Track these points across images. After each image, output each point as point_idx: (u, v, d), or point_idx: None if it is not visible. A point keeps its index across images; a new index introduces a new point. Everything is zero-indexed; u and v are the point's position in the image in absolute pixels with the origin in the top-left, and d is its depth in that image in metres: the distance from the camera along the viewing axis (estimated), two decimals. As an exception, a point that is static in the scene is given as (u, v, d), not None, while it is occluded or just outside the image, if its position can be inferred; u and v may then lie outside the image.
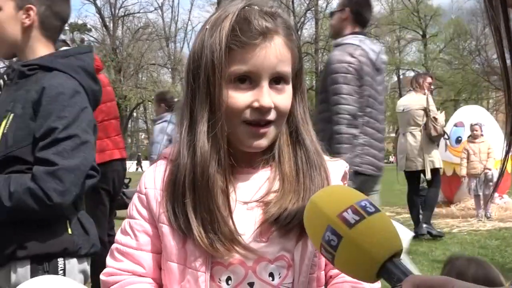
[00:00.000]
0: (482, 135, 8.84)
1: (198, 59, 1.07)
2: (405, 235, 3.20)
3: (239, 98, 1.05)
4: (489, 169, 8.47)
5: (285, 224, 1.05)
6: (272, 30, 1.05)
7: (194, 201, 1.05)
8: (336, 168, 1.18)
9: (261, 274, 1.06)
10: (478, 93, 47.71)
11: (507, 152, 0.64)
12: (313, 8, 46.85)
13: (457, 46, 47.94)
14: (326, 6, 48.17)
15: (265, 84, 1.05)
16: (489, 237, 6.95)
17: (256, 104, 1.04)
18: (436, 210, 9.49)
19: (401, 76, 55.00)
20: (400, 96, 54.05)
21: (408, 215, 9.28)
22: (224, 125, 1.05)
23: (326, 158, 1.17)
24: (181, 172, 1.07)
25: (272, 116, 1.06)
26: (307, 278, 1.08)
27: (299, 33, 45.31)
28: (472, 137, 8.86)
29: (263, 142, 1.08)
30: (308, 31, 49.58)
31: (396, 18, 49.16)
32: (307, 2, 46.92)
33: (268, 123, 1.07)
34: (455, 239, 6.86)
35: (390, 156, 52.64)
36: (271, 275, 1.07)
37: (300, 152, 1.13)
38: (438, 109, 7.41)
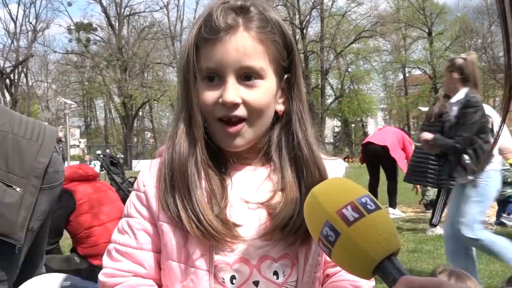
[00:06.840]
0: None
1: (180, 57, 1.10)
2: None
3: (208, 95, 1.04)
4: None
5: (294, 232, 1.04)
6: (233, 25, 1.03)
7: (178, 196, 1.04)
8: (336, 167, 1.16)
9: (265, 272, 1.05)
10: (484, 91, 47.42)
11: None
12: (318, 7, 46.71)
13: (463, 44, 47.69)
14: (332, 5, 48.16)
15: (229, 79, 1.03)
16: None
17: (220, 100, 1.03)
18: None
19: (407, 74, 54.89)
20: (406, 94, 54.03)
21: (413, 214, 9.27)
22: (200, 123, 1.05)
23: (323, 156, 1.14)
24: (163, 168, 1.07)
25: (241, 112, 1.04)
26: (311, 278, 1.08)
27: (304, 31, 45.27)
28: None
29: (239, 141, 1.06)
30: (313, 29, 49.52)
31: (402, 16, 48.99)
32: (312, 1, 46.81)
33: (240, 121, 1.05)
34: (461, 238, 6.80)
35: (396, 155, 52.45)
36: (276, 273, 1.06)
37: (298, 152, 1.09)
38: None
